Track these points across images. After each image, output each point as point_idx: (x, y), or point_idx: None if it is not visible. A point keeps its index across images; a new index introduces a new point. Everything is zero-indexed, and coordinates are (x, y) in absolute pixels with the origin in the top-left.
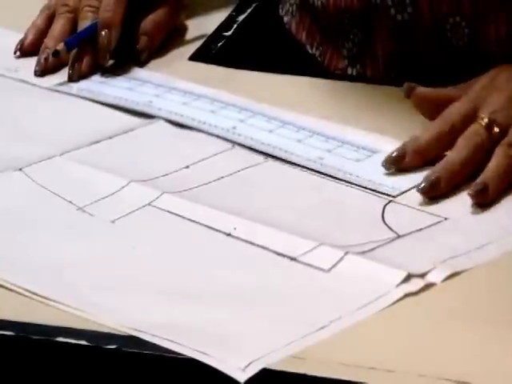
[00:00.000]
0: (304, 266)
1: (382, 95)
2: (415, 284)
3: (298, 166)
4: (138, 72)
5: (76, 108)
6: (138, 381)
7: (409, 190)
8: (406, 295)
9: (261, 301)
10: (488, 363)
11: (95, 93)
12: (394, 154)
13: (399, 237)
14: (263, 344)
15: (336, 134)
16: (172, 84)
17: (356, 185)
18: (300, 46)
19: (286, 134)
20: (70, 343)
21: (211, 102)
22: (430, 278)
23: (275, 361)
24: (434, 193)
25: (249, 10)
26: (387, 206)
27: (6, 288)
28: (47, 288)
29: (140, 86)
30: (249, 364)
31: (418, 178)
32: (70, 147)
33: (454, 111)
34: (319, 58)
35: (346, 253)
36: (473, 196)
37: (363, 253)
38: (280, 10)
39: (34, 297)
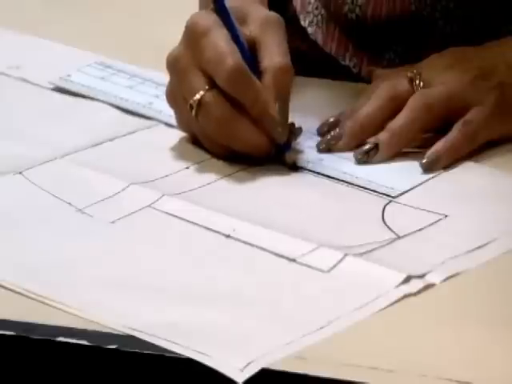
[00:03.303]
0: (303, 267)
1: None
2: (414, 285)
3: (298, 167)
4: (139, 70)
5: (76, 110)
6: (138, 381)
7: (409, 190)
8: (406, 295)
9: (259, 301)
10: (489, 363)
11: (96, 90)
12: (330, 119)
13: (399, 238)
14: (262, 344)
15: None
16: None
17: (356, 185)
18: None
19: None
20: (71, 343)
21: None
22: (429, 279)
23: (274, 361)
24: (334, 146)
25: None
26: (387, 207)
27: (7, 288)
28: (47, 288)
29: (141, 84)
30: (247, 364)
31: (417, 178)
32: (70, 150)
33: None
34: (354, 69)
35: (346, 254)
36: (425, 167)
37: (362, 254)
38: (302, 22)
39: (35, 297)
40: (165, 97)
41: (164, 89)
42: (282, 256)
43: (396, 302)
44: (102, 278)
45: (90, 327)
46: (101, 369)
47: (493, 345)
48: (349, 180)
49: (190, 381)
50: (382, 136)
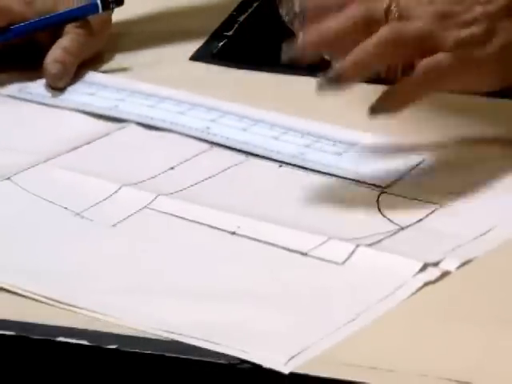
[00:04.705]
0: (317, 260)
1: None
2: (431, 273)
3: (280, 162)
4: (96, 76)
5: (45, 117)
6: (138, 381)
7: (397, 179)
8: (426, 284)
9: (282, 297)
10: (489, 363)
11: (58, 99)
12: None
13: (402, 229)
14: (297, 340)
15: (310, 130)
16: (133, 87)
17: (343, 178)
18: None
19: (260, 132)
20: (71, 343)
21: (177, 104)
22: (444, 267)
23: (313, 356)
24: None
25: (250, 10)
26: (380, 198)
27: (7, 290)
28: (69, 296)
29: (102, 90)
30: (289, 359)
31: (403, 167)
32: (51, 154)
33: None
34: (327, 58)
35: (357, 245)
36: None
37: (371, 245)
38: (280, 10)
39: (34, 296)
40: (131, 99)
41: (126, 93)
42: (293, 250)
43: (416, 291)
44: (121, 282)
45: (90, 327)
46: (101, 369)
47: (494, 344)
48: (335, 173)
49: (190, 381)
50: (345, 63)
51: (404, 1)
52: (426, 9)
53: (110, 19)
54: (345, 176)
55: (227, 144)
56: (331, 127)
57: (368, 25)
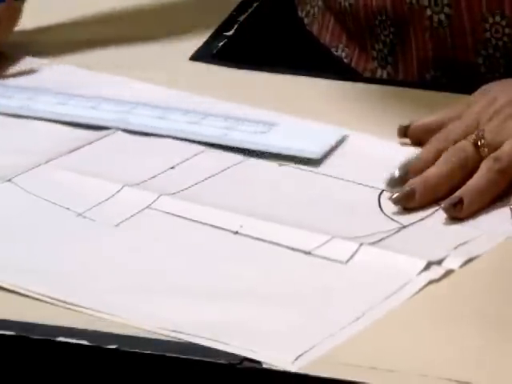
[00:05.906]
0: (320, 259)
1: (389, 97)
2: (435, 271)
3: (279, 160)
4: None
5: (22, 128)
6: (138, 381)
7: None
8: (431, 281)
9: (286, 296)
10: (489, 363)
11: (28, 110)
12: (396, 174)
13: (404, 227)
14: (302, 340)
15: (230, 114)
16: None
17: (342, 178)
18: (306, 46)
19: (177, 119)
20: (71, 343)
21: (152, 109)
22: (447, 265)
23: (319, 354)
24: (407, 204)
25: (250, 10)
26: (381, 196)
27: (7, 290)
28: (74, 296)
29: (70, 99)
30: (296, 358)
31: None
32: (51, 155)
33: (452, 129)
34: (345, 60)
35: (361, 244)
36: (445, 209)
37: (374, 243)
38: (299, 12)
39: (38, 296)
40: (105, 106)
41: (99, 100)
42: (296, 249)
43: (420, 290)
44: (126, 282)
45: (90, 327)
46: (101, 369)
47: (494, 345)
48: (262, 149)
49: (190, 381)
50: (465, 192)
51: (488, 131)
52: (508, 128)
53: (19, 9)
54: (341, 178)
55: (141, 130)
56: (251, 109)
57: (464, 166)
